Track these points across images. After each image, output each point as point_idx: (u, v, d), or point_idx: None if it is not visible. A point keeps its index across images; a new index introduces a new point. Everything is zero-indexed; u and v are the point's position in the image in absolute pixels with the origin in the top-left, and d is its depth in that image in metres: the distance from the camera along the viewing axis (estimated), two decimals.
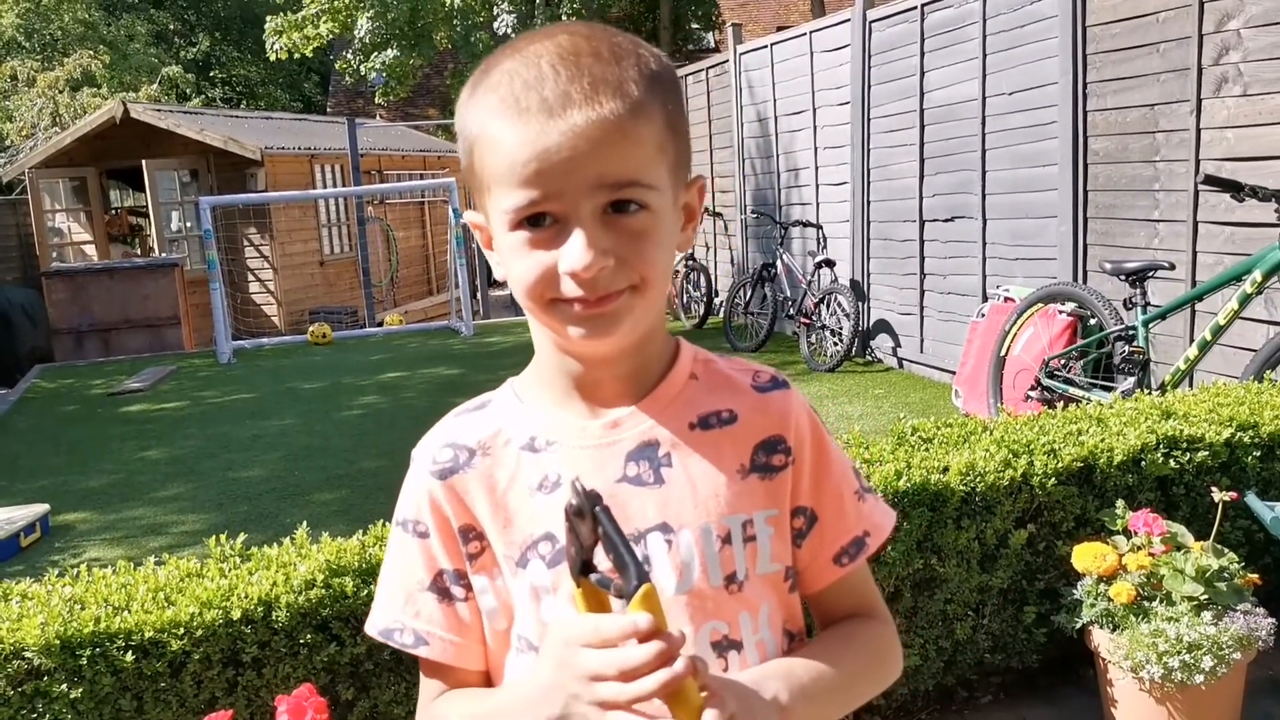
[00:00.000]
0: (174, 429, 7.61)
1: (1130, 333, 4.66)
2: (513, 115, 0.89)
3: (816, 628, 1.14)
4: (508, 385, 1.08)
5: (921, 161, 7.31)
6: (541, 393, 1.04)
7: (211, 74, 22.50)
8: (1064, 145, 5.86)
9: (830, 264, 8.30)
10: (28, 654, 2.09)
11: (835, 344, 7.99)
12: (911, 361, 7.74)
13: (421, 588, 1.02)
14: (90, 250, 15.12)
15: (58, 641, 2.10)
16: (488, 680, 1.05)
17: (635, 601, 0.75)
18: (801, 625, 1.09)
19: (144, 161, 14.06)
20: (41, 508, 5.32)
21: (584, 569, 0.81)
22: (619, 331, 0.94)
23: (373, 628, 1.05)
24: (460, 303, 11.86)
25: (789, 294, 8.89)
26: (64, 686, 2.11)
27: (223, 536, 2.52)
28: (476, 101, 0.94)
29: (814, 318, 8.23)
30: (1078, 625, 2.80)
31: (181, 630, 2.18)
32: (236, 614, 2.22)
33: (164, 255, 14.07)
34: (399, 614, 1.03)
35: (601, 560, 0.83)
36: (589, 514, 0.75)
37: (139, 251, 15.64)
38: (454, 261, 12.24)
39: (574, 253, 0.89)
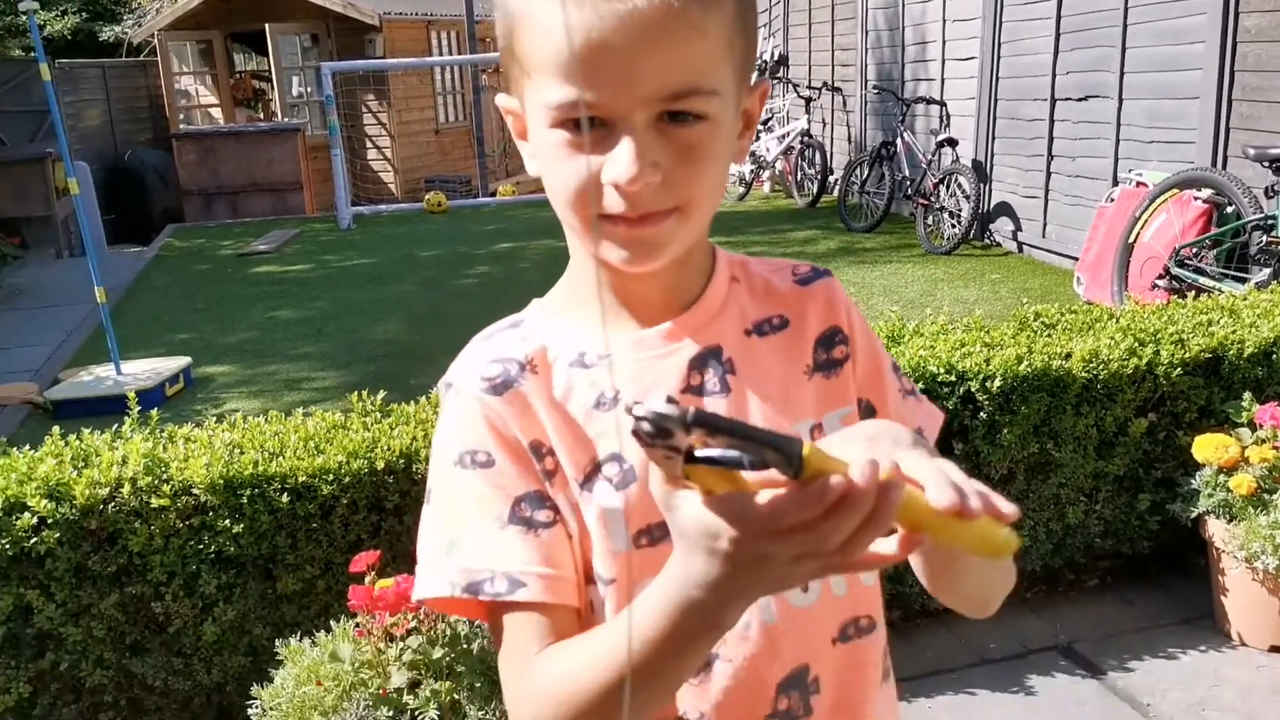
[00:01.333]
0: (301, 290, 7.90)
1: (1269, 222, 4.49)
2: None
3: None
4: (535, 305, 0.97)
5: (1057, 37, 7.00)
6: (580, 308, 0.92)
7: None
8: (1213, 21, 5.56)
9: (952, 143, 8.08)
10: (195, 490, 2.28)
11: (953, 226, 7.84)
12: (1032, 246, 7.56)
13: (501, 523, 0.86)
14: (216, 113, 15.49)
15: (221, 481, 2.29)
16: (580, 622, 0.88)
17: (811, 464, 0.62)
18: None
19: (267, 25, 14.24)
20: (184, 360, 5.64)
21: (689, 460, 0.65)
22: (660, 257, 0.84)
23: (441, 587, 0.86)
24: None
25: (907, 173, 8.71)
26: (227, 522, 2.29)
27: (363, 392, 2.67)
28: None
29: (932, 199, 8.07)
30: (1193, 514, 2.80)
31: (330, 476, 2.34)
32: (380, 464, 2.37)
33: (286, 120, 14.35)
34: (481, 557, 0.85)
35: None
36: (682, 427, 0.61)
37: (262, 116, 15.97)
38: None
39: (621, 163, 0.78)
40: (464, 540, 0.87)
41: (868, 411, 0.96)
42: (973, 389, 2.74)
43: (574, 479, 0.88)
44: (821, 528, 0.63)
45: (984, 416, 2.76)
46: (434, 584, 0.87)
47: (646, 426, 0.62)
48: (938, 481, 0.67)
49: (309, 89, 15.00)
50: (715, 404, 0.89)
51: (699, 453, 0.64)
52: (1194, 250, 4.99)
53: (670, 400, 0.62)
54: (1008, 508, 0.67)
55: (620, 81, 0.77)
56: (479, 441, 0.88)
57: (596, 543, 0.88)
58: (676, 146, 0.80)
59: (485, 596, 0.85)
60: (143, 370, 5.42)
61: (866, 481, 0.62)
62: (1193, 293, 4.41)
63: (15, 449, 2.41)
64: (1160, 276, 5.07)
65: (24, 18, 5.26)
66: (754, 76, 0.88)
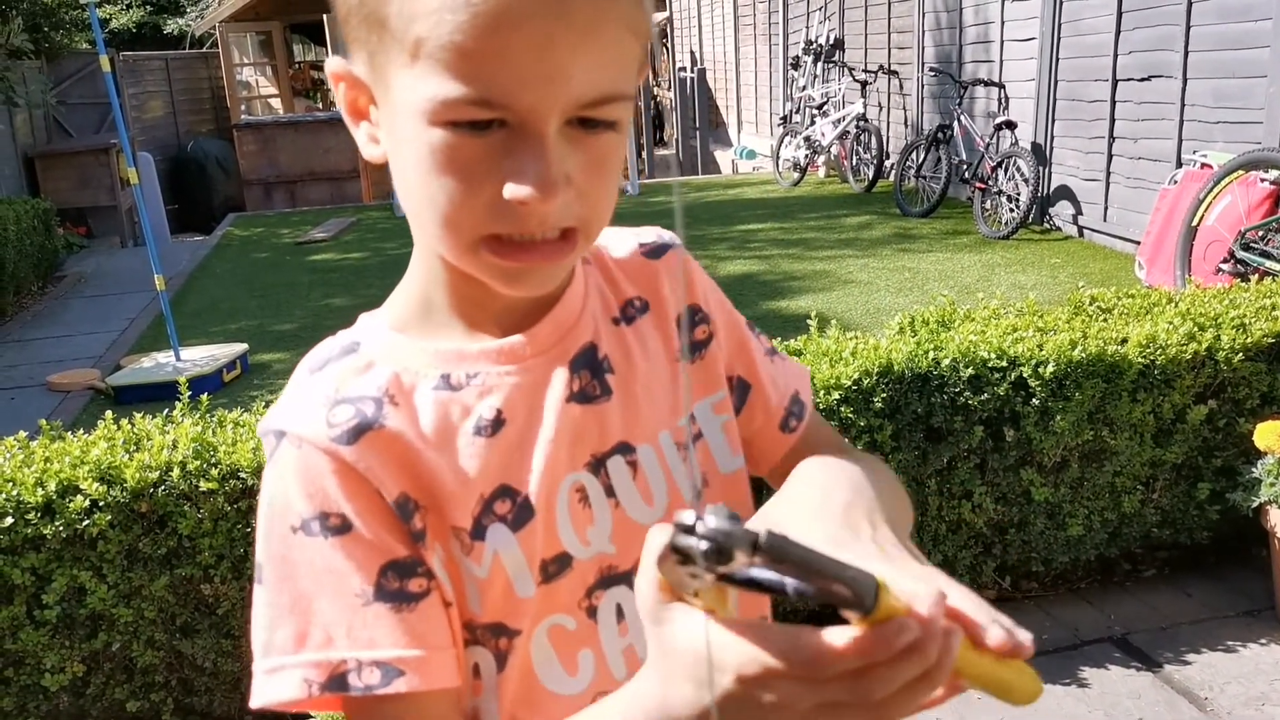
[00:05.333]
0: (356, 278, 7.99)
1: None
2: None
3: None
4: (366, 322, 0.80)
5: (1119, 16, 6.84)
6: (430, 322, 0.78)
7: None
8: None
9: (1011, 126, 7.93)
10: (242, 474, 2.31)
11: (1011, 210, 7.70)
12: (1093, 230, 7.40)
13: (365, 599, 0.69)
14: (276, 104, 15.70)
15: None
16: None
17: (883, 606, 0.52)
18: None
19: (325, 16, 14.39)
20: (241, 346, 5.73)
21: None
22: (551, 283, 0.73)
23: (292, 687, 0.69)
24: (626, 162, 11.88)
25: (964, 157, 8.57)
26: None
27: None
28: None
29: (990, 182, 7.93)
30: (1254, 504, 2.73)
31: None
32: None
33: None
34: (339, 647, 0.69)
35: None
36: (748, 551, 0.50)
37: (320, 105, 16.16)
38: None
39: (531, 177, 0.65)
40: (317, 625, 0.69)
41: (741, 388, 0.87)
42: (1025, 374, 2.69)
43: (458, 529, 0.73)
44: (877, 675, 0.52)
45: (1036, 403, 2.70)
46: (282, 684, 0.69)
47: (704, 547, 0.49)
48: (983, 614, 0.58)
49: None
50: (599, 411, 0.78)
51: (742, 573, 0.52)
52: (1260, 233, 4.85)
53: (734, 517, 0.50)
54: (1025, 637, 0.59)
55: (544, 81, 0.63)
56: (328, 503, 0.70)
57: (495, 593, 0.75)
58: (587, 155, 0.67)
59: (355, 692, 0.68)
60: (201, 356, 5.52)
61: (936, 619, 0.53)
62: (1257, 276, 4.29)
63: (71, 433, 2.46)
64: (1225, 260, 4.94)
65: (88, 12, 5.35)
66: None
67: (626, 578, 0.79)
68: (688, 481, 0.81)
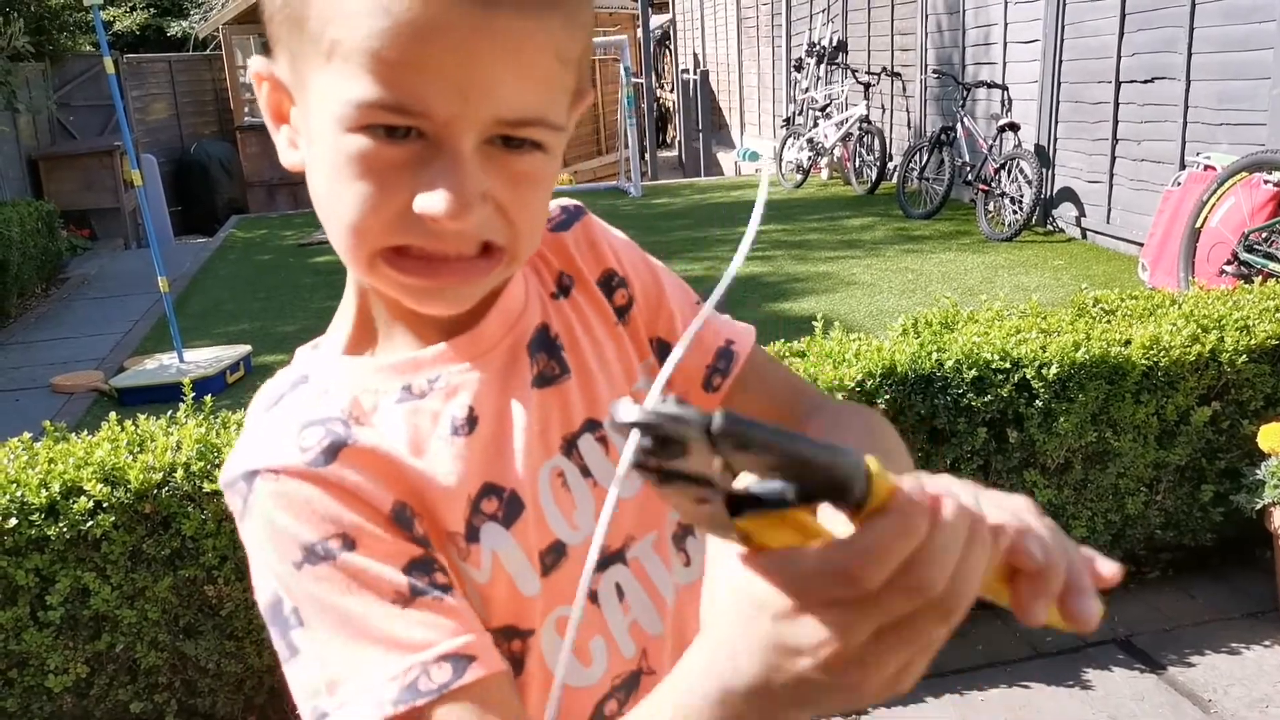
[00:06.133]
0: None
1: None
2: None
3: None
4: (308, 354, 0.77)
5: (1122, 18, 6.83)
6: (376, 339, 0.76)
7: None
8: None
9: (1014, 127, 7.92)
10: None
11: (1015, 212, 7.70)
12: (1096, 232, 7.40)
13: (404, 600, 0.65)
14: None
15: None
16: None
17: (878, 490, 0.43)
18: None
19: None
20: (244, 348, 5.73)
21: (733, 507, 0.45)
22: (470, 300, 0.70)
23: (373, 710, 0.62)
24: (629, 163, 11.89)
25: (967, 159, 8.56)
26: None
27: None
28: None
29: (993, 184, 7.93)
30: (1258, 506, 2.73)
31: None
32: None
33: None
34: (400, 662, 0.63)
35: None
36: (704, 438, 0.41)
37: None
38: (624, 121, 12.22)
39: (443, 193, 0.62)
40: (349, 653, 0.63)
41: (661, 349, 0.83)
42: (1028, 376, 2.69)
43: (452, 534, 0.70)
44: (929, 559, 0.43)
45: (1040, 404, 2.70)
46: (361, 717, 0.62)
47: (648, 442, 0.41)
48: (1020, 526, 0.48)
49: None
50: (564, 390, 0.76)
51: (741, 487, 0.44)
52: (1264, 235, 4.84)
53: (679, 400, 0.42)
54: (1109, 568, 0.49)
55: (462, 94, 0.61)
56: (323, 527, 0.65)
57: (500, 596, 0.72)
58: (508, 175, 0.65)
59: (428, 697, 0.62)
60: (205, 358, 5.53)
61: (942, 488, 0.45)
62: (1261, 278, 4.29)
63: (75, 435, 2.46)
64: (1228, 262, 4.93)
65: (92, 15, 5.37)
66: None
67: (620, 556, 0.78)
68: None
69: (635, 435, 0.42)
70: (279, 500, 0.66)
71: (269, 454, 0.68)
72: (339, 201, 0.65)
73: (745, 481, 0.44)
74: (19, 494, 2.24)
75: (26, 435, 2.45)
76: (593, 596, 0.77)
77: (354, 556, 0.65)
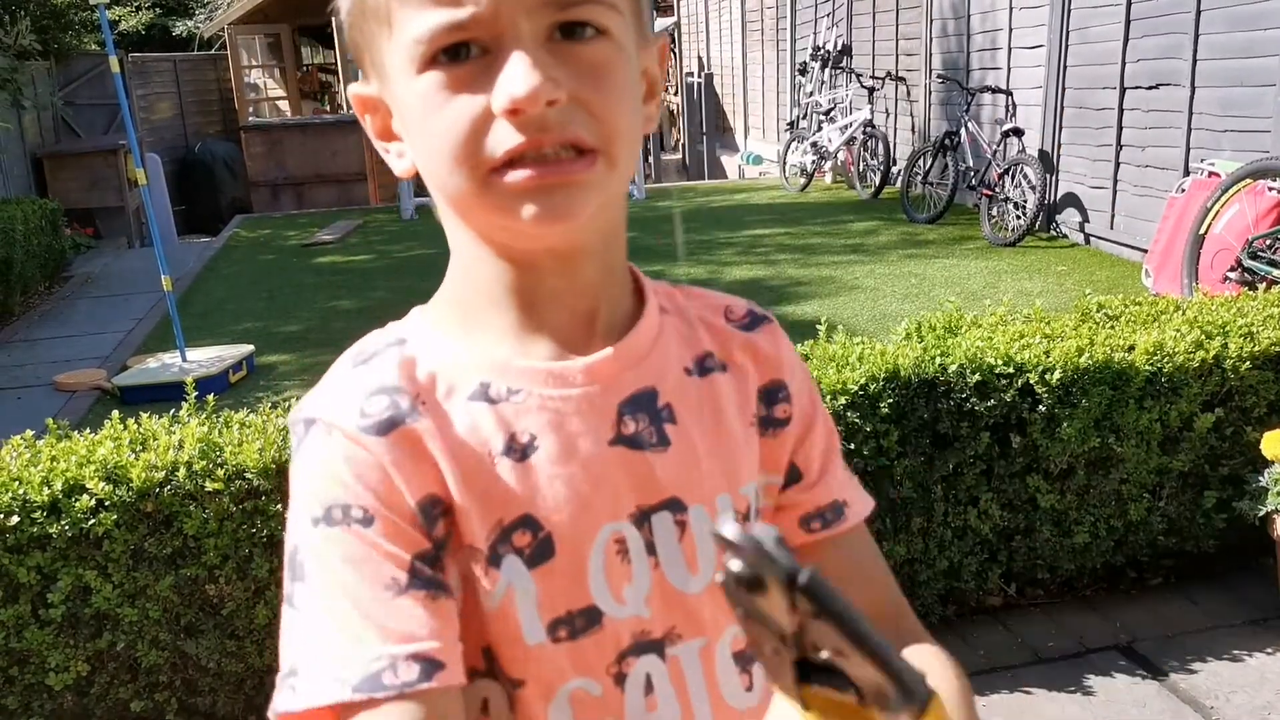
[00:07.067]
0: (362, 280, 7.99)
1: None
2: None
3: None
4: (418, 316, 0.76)
5: (1127, 24, 6.83)
6: (476, 321, 0.73)
7: None
8: None
9: (1018, 133, 7.92)
10: (247, 475, 2.31)
11: (1018, 217, 7.69)
12: (1100, 238, 7.39)
13: (398, 589, 0.66)
14: (284, 106, 15.73)
15: (274, 465, 2.31)
16: None
17: (935, 712, 0.46)
18: None
19: (333, 19, 14.40)
20: (247, 348, 5.74)
21: (802, 672, 0.47)
22: (582, 209, 0.67)
23: (322, 694, 0.64)
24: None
25: (971, 164, 8.56)
26: (279, 506, 2.32)
27: None
28: None
29: (997, 189, 7.92)
30: (1261, 513, 2.72)
31: None
32: None
33: (351, 112, 14.50)
34: (373, 645, 0.64)
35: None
36: (784, 587, 0.43)
37: (328, 108, 16.19)
38: None
39: (514, 76, 0.63)
40: (337, 632, 0.65)
41: (791, 473, 0.82)
42: (1031, 381, 2.69)
43: (474, 549, 0.69)
44: None
45: (1043, 409, 2.70)
46: (303, 692, 0.64)
47: (738, 567, 0.42)
48: None
49: None
50: (651, 460, 0.73)
51: (821, 656, 0.44)
52: (1268, 242, 4.84)
53: (780, 542, 0.42)
54: None
55: None
56: (350, 494, 0.67)
57: (499, 630, 0.71)
58: (580, 65, 0.65)
59: (387, 692, 0.63)
60: (207, 357, 5.53)
61: None
62: (1265, 285, 4.28)
63: (78, 433, 2.46)
64: (1232, 269, 4.93)
65: (97, 13, 5.38)
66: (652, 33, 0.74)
67: (658, 646, 0.74)
68: None
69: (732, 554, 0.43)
70: (323, 452, 0.68)
71: (334, 408, 0.69)
72: (431, 144, 0.66)
73: (822, 651, 0.44)
74: (21, 491, 2.24)
75: (29, 433, 2.45)
76: (618, 679, 0.73)
77: (367, 531, 0.66)
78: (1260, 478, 2.75)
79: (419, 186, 11.13)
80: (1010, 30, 8.35)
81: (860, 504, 0.84)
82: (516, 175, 0.65)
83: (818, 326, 2.99)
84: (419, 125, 0.67)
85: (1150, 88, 6.67)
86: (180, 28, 19.64)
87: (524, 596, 0.70)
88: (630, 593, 0.72)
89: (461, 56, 0.64)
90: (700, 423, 0.75)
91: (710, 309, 0.81)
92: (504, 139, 0.64)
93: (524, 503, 0.70)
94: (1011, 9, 8.30)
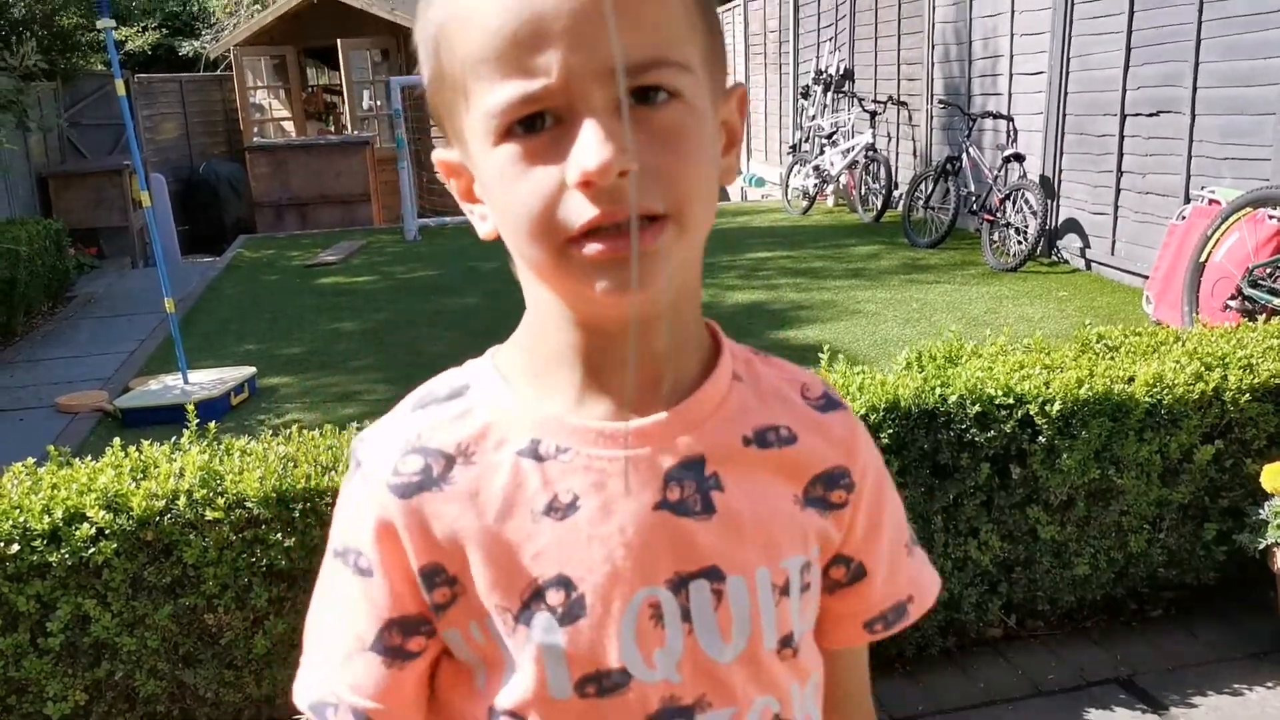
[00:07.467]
0: (365, 302, 8.01)
1: None
2: None
3: None
4: (489, 360, 0.78)
5: (1128, 51, 6.87)
6: (542, 376, 0.75)
7: None
8: None
9: (1019, 158, 7.95)
10: (248, 504, 2.31)
11: (1019, 242, 7.71)
12: (1101, 264, 7.41)
13: (362, 646, 0.74)
14: (289, 126, 15.80)
15: (274, 494, 2.32)
16: None
17: None
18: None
19: (339, 40, 14.50)
20: (249, 370, 5.74)
21: None
22: (654, 280, 0.67)
23: (301, 697, 0.77)
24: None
25: (973, 189, 8.59)
26: (279, 535, 2.32)
27: None
28: None
29: (998, 214, 7.94)
30: (1261, 546, 2.72)
31: None
32: None
33: (356, 133, 14.60)
34: (333, 679, 0.75)
35: None
36: None
37: (333, 129, 16.26)
38: None
39: (586, 148, 0.63)
40: (323, 645, 0.77)
41: (856, 572, 0.83)
42: (1031, 412, 2.69)
43: (500, 608, 0.72)
44: None
45: (1043, 441, 2.70)
46: (297, 686, 0.78)
47: None
48: None
49: (379, 102, 15.24)
50: (693, 528, 0.73)
51: None
52: (1268, 270, 4.85)
53: None
54: None
55: (566, 57, 0.63)
56: (362, 543, 0.74)
57: (523, 682, 0.72)
58: (653, 131, 0.65)
59: None
60: (209, 380, 5.53)
61: None
62: (1265, 314, 4.29)
63: (78, 459, 2.47)
64: (1232, 297, 4.93)
65: (104, 35, 5.41)
66: (727, 82, 0.74)
67: (689, 713, 0.74)
68: (773, 626, 0.75)
69: None
70: (356, 495, 0.75)
71: (375, 457, 0.75)
72: (509, 214, 0.68)
73: None
74: (21, 519, 2.24)
75: (30, 460, 2.46)
76: None
77: (364, 581, 0.74)
78: (1260, 510, 2.75)
79: (422, 208, 11.18)
80: (1011, 56, 8.40)
81: (926, 592, 0.88)
82: (591, 248, 0.65)
83: (819, 354, 2.99)
84: (498, 196, 0.68)
85: (1151, 115, 6.69)
86: (186, 48, 19.74)
87: (552, 653, 0.71)
88: (662, 658, 0.73)
89: (536, 127, 0.65)
90: (748, 494, 0.75)
91: (787, 382, 0.81)
92: (579, 212, 0.64)
93: (560, 562, 0.71)
94: (1013, 35, 8.35)
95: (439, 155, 0.75)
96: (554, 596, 0.71)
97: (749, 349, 0.82)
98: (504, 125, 0.65)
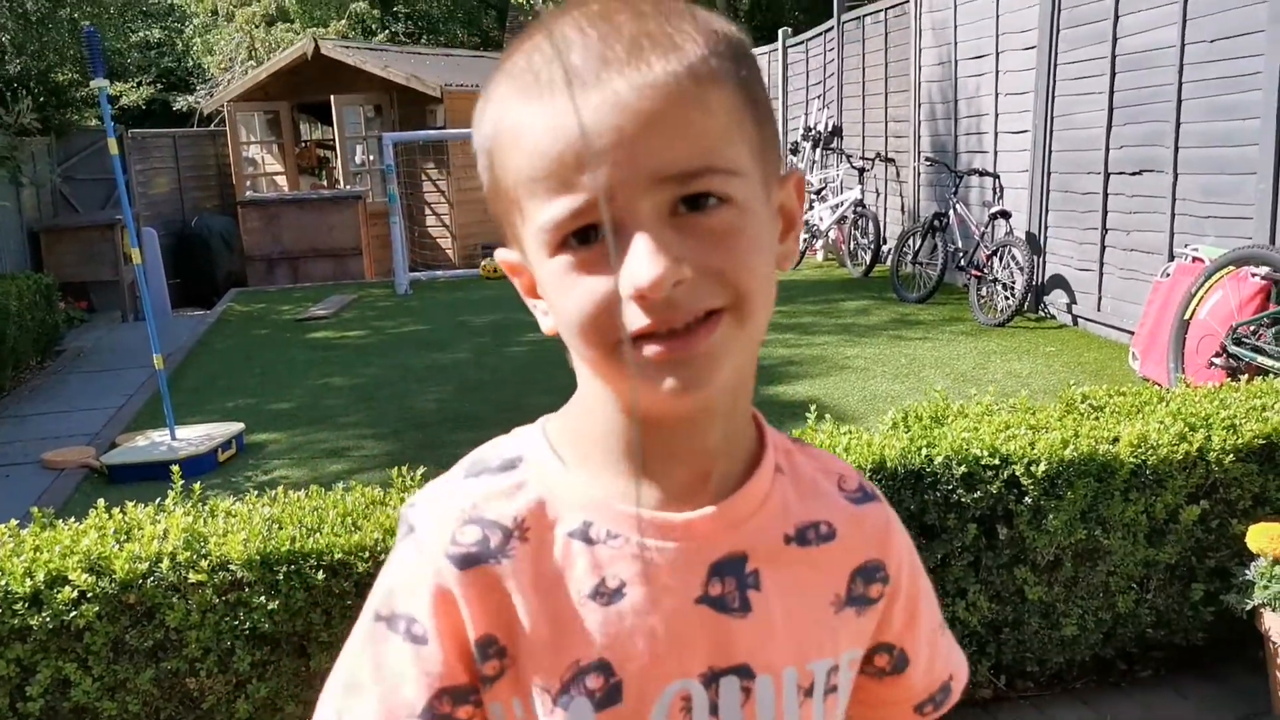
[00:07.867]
0: (355, 356, 8.02)
1: None
2: (533, 96, 0.67)
3: None
4: (541, 433, 0.79)
5: (1110, 111, 6.97)
6: (592, 457, 0.75)
7: (395, 8, 23.26)
8: (1269, 97, 5.50)
9: (1006, 215, 8.04)
10: (232, 566, 2.30)
11: (1007, 298, 7.77)
12: (1087, 320, 7.46)
13: (410, 713, 0.72)
14: (281, 181, 15.89)
15: (258, 557, 2.30)
16: None
17: None
18: None
19: (332, 96, 14.63)
20: (237, 426, 5.73)
21: None
22: (716, 376, 0.68)
23: None
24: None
25: (960, 245, 8.67)
26: (263, 598, 2.31)
27: (403, 468, 2.69)
28: (491, 95, 0.72)
29: (986, 270, 8.01)
30: (1248, 606, 2.72)
31: (367, 554, 2.35)
32: None
33: (348, 188, 14.68)
34: None
35: None
36: None
37: (325, 183, 16.36)
38: None
39: (638, 264, 0.64)
40: (357, 713, 0.73)
41: (899, 660, 0.86)
42: (1017, 473, 2.70)
43: (544, 688, 0.72)
44: None
45: (1029, 501, 2.70)
46: None
47: None
48: None
49: (371, 157, 15.35)
50: (730, 624, 0.74)
51: None
52: (1252, 329, 4.89)
53: None
54: None
55: (612, 171, 0.64)
56: (418, 609, 0.73)
57: None
58: (704, 236, 0.66)
59: None
60: (196, 436, 5.52)
61: None
62: (1249, 373, 4.32)
63: (61, 520, 2.46)
64: (1217, 354, 4.97)
65: (99, 92, 5.46)
66: (782, 168, 0.75)
67: None
68: None
69: None
70: (409, 562, 0.74)
71: (430, 526, 0.74)
72: (564, 313, 0.69)
73: None
74: (3, 583, 2.22)
75: (13, 522, 2.44)
76: None
77: (419, 649, 0.72)
78: (1247, 571, 2.75)
79: (414, 262, 11.20)
80: (996, 115, 8.52)
81: (961, 670, 0.91)
82: (650, 350, 0.67)
83: (807, 413, 3.00)
84: (555, 300, 0.70)
85: (1134, 173, 6.78)
86: (181, 103, 19.92)
87: None
88: None
89: (589, 239, 0.66)
90: (784, 594, 0.76)
91: (824, 473, 0.82)
92: (633, 320, 0.66)
93: (602, 648, 0.72)
94: (997, 95, 8.48)
95: (501, 255, 0.77)
96: (593, 681, 0.72)
97: (788, 438, 0.83)
98: (557, 240, 0.67)
